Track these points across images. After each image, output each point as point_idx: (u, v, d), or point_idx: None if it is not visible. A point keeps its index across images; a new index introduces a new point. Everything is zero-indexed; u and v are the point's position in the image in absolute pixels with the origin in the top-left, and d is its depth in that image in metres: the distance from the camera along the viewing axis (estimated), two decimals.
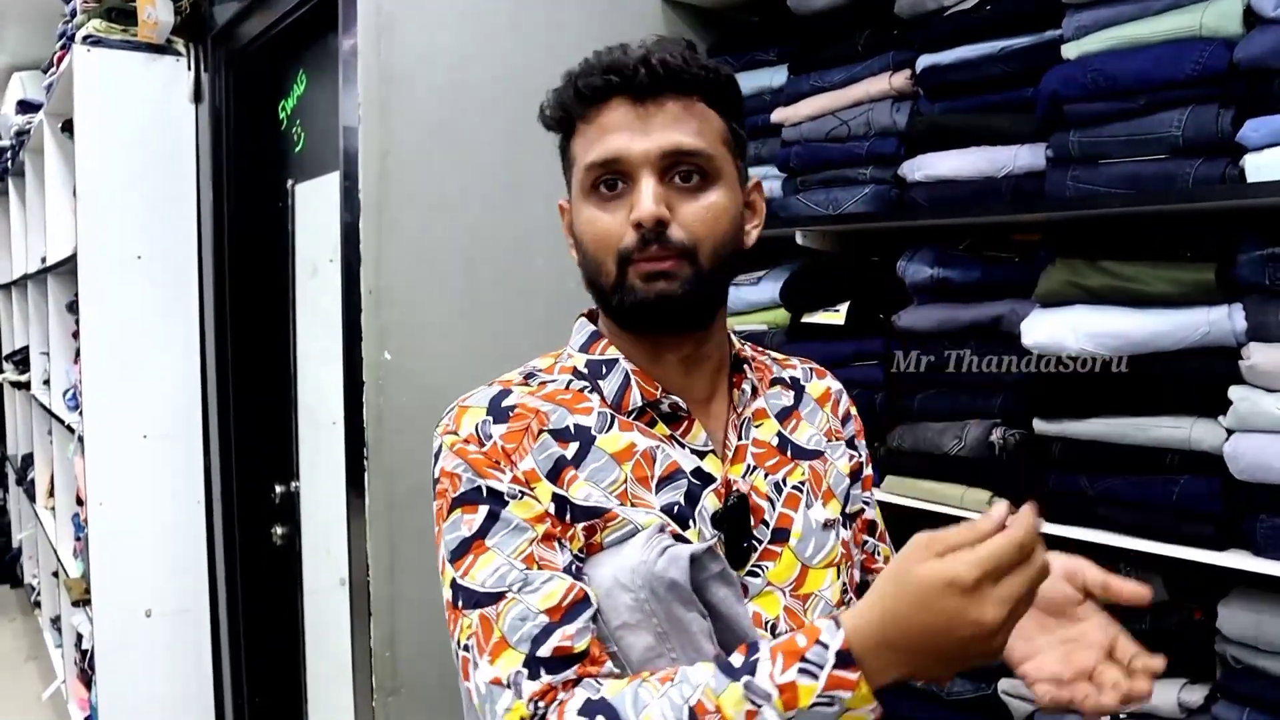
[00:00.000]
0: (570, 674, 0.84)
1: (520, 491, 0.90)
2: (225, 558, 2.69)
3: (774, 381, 1.08)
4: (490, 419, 0.93)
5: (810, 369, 1.13)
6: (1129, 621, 1.47)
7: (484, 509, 0.89)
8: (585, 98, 0.93)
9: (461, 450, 0.92)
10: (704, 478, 0.96)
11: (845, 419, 1.12)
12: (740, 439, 1.00)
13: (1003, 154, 1.60)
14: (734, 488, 0.97)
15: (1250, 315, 1.32)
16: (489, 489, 0.90)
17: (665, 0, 2.11)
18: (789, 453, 1.03)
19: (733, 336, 1.05)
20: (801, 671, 0.75)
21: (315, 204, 2.28)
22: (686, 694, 0.77)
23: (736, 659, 0.78)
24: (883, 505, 1.22)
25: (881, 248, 1.83)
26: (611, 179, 0.91)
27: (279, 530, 2.52)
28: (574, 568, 0.89)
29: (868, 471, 1.14)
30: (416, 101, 1.79)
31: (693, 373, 0.99)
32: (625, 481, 0.93)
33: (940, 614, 0.72)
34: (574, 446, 0.93)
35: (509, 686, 0.84)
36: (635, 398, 0.96)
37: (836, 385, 1.14)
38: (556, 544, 0.89)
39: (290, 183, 2.42)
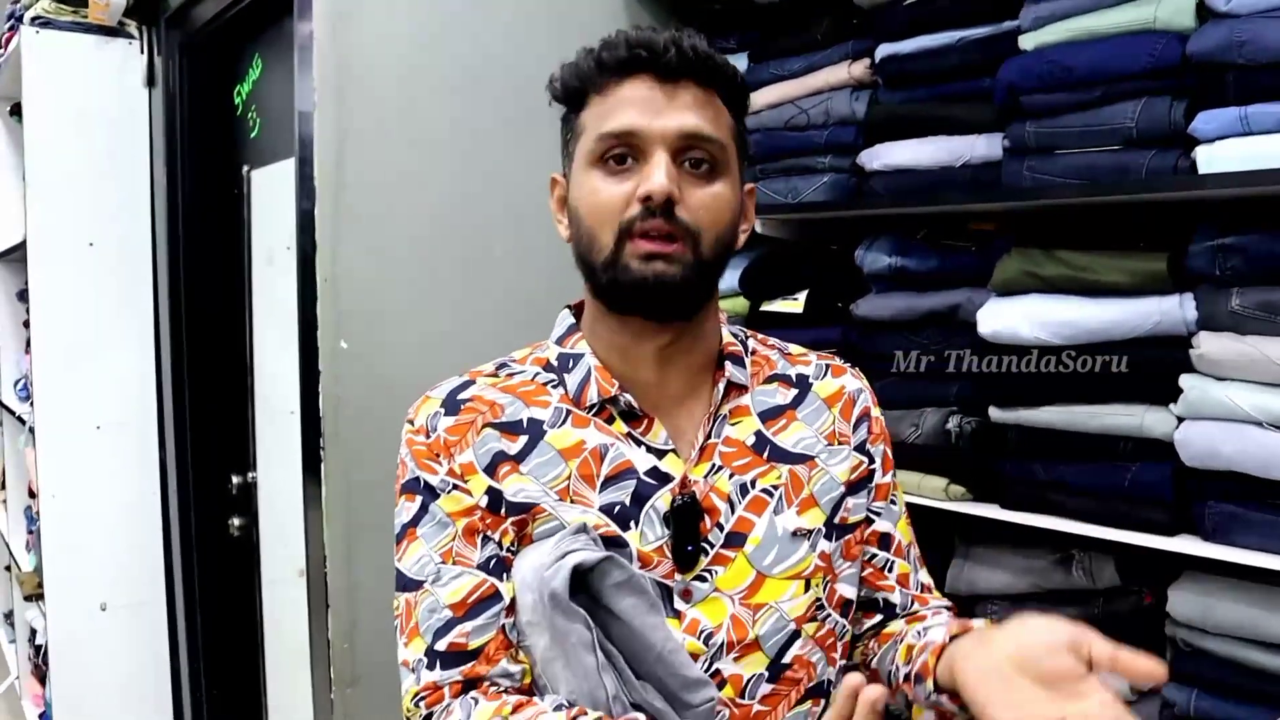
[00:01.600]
0: (457, 674, 0.89)
1: (452, 485, 0.93)
2: (182, 549, 2.66)
3: (771, 378, 1.03)
4: (442, 411, 0.96)
5: (827, 365, 1.07)
6: (1079, 605, 1.50)
7: (419, 499, 0.94)
8: (608, 69, 0.91)
9: (411, 440, 0.96)
10: (660, 477, 0.94)
11: (858, 423, 1.05)
12: (710, 437, 0.97)
13: (960, 144, 1.61)
14: (690, 488, 0.94)
15: (1200, 305, 1.33)
16: (425, 481, 0.94)
17: None
18: (766, 454, 0.98)
19: (726, 331, 1.03)
20: None
21: (271, 191, 2.25)
22: None
23: None
24: None
25: (840, 236, 1.84)
26: (622, 152, 0.90)
27: (236, 521, 2.50)
28: (492, 563, 0.92)
29: (884, 479, 1.07)
30: (374, 88, 1.77)
31: (668, 367, 0.97)
32: (569, 478, 0.93)
33: None
34: (521, 440, 0.94)
35: (413, 671, 0.91)
36: (593, 394, 0.95)
37: (855, 385, 1.07)
38: (479, 539, 0.92)
39: (246, 169, 2.39)
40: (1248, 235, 1.29)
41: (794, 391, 1.03)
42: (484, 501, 0.92)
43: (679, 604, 0.92)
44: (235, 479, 2.49)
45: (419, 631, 0.90)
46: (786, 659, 0.95)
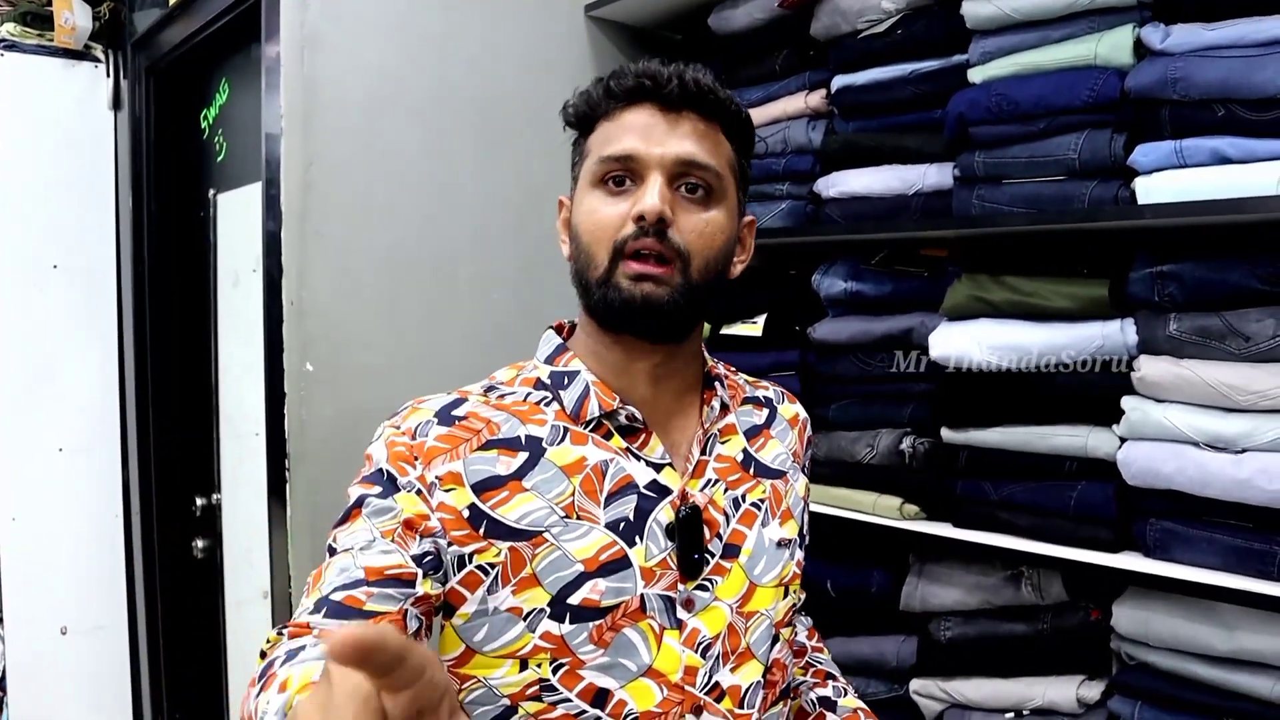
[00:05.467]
0: (335, 625, 0.80)
1: (416, 489, 0.89)
2: (144, 572, 2.64)
3: (746, 400, 1.10)
4: (435, 420, 0.94)
5: (782, 393, 1.16)
6: (1028, 621, 1.54)
7: (376, 488, 0.90)
8: (615, 96, 0.95)
9: (392, 440, 0.92)
10: (660, 490, 0.96)
11: (806, 447, 1.15)
12: (704, 454, 1.01)
13: (913, 172, 1.66)
14: (689, 500, 0.97)
15: (1141, 329, 1.39)
16: (389, 473, 0.90)
17: (590, 17, 2.13)
18: (752, 470, 1.04)
19: (707, 355, 1.07)
20: None
21: (237, 214, 2.26)
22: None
23: None
24: None
25: (798, 261, 1.88)
26: (621, 175, 0.94)
27: (200, 543, 2.49)
28: (425, 559, 0.86)
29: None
30: (341, 112, 1.79)
31: (660, 385, 0.99)
32: (573, 494, 0.93)
33: None
34: (521, 457, 0.93)
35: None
36: (593, 408, 0.96)
37: (804, 414, 1.16)
38: (418, 536, 0.87)
39: (212, 192, 2.40)
40: (1184, 263, 1.35)
41: (765, 412, 1.11)
42: (465, 514, 0.89)
43: (681, 614, 0.94)
44: (199, 500, 2.48)
45: (319, 586, 0.83)
46: (768, 663, 1.00)
